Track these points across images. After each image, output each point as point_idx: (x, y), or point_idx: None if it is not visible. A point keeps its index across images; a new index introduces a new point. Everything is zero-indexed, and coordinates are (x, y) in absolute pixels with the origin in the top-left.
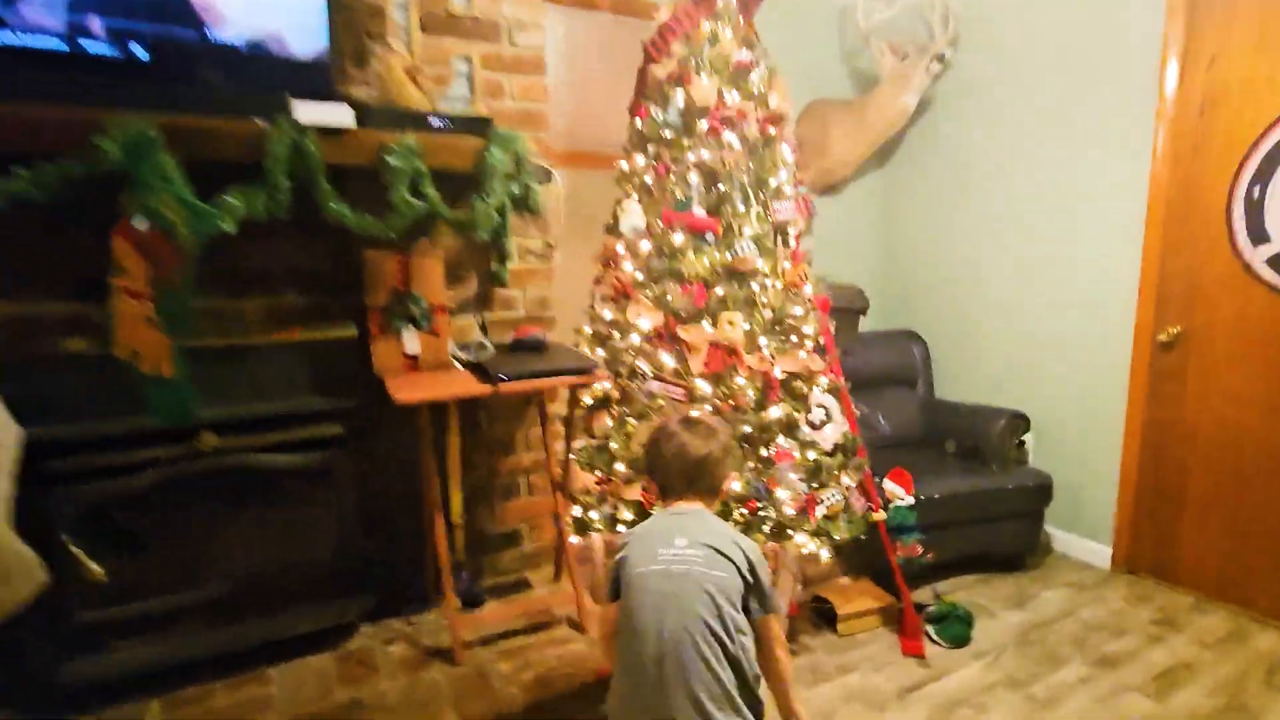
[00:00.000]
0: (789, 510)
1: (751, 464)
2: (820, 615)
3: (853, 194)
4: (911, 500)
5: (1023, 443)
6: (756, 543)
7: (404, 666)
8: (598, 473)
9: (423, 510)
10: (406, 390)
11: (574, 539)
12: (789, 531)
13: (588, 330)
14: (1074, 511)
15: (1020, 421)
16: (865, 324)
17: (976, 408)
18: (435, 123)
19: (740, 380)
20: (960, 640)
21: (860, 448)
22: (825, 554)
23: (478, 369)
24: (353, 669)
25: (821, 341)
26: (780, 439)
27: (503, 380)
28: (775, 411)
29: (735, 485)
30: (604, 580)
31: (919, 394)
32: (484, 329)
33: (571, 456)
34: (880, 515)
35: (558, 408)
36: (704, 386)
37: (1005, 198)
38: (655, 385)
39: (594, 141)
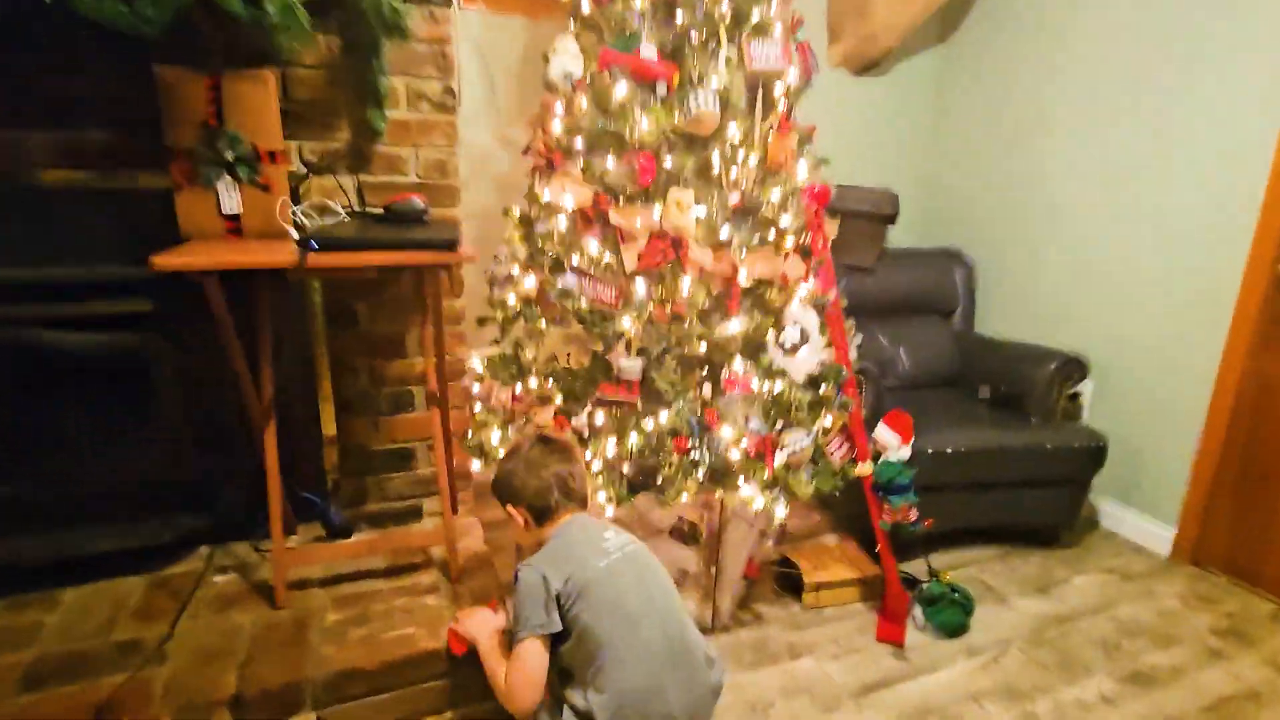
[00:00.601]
0: (733, 454)
1: (691, 393)
2: (788, 581)
3: (899, 74)
4: (907, 453)
5: (1076, 394)
6: (688, 492)
7: (216, 604)
8: (518, 386)
9: (251, 418)
10: (177, 254)
11: (476, 465)
12: (740, 480)
13: (516, 211)
14: (1132, 481)
15: (1075, 367)
16: (895, 237)
17: (1023, 347)
18: None
19: (686, 282)
20: (954, 629)
21: (849, 382)
22: (781, 511)
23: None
24: (159, 601)
25: (807, 241)
26: (737, 363)
27: (312, 249)
28: (734, 326)
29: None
30: (532, 613)
31: (955, 326)
32: (360, 194)
33: (477, 366)
34: (865, 469)
35: (450, 302)
36: (640, 288)
37: (1097, 86)
38: (572, 279)
39: None
